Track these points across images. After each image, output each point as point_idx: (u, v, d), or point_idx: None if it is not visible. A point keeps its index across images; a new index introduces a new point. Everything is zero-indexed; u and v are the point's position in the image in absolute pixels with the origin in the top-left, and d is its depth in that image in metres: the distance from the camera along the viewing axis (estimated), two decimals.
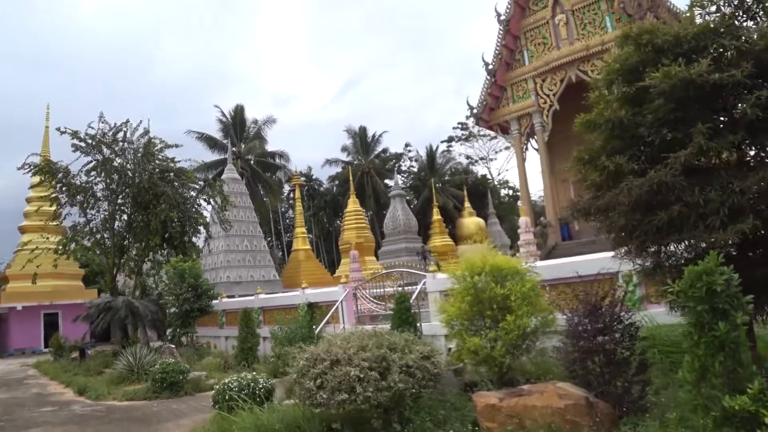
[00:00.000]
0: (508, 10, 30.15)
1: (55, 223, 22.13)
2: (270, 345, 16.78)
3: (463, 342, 8.42)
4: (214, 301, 20.21)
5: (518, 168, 31.94)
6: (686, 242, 5.96)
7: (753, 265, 5.78)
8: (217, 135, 48.86)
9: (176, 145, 21.19)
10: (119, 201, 20.97)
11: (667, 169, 5.47)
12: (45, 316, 33.69)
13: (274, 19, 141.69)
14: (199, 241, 22.52)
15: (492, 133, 64.69)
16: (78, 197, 20.53)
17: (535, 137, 31.56)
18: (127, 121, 21.19)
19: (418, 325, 12.29)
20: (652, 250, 6.15)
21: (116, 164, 20.64)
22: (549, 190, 30.36)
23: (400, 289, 16.15)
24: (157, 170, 20.81)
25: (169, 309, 19.48)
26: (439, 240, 44.25)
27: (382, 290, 16.35)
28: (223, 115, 49.64)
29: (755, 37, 5.45)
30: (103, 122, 20.60)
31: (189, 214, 20.87)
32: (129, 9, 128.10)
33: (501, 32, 30.39)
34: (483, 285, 8.23)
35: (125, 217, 21.23)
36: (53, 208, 21.26)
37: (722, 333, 3.78)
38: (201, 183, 22.55)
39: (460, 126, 64.11)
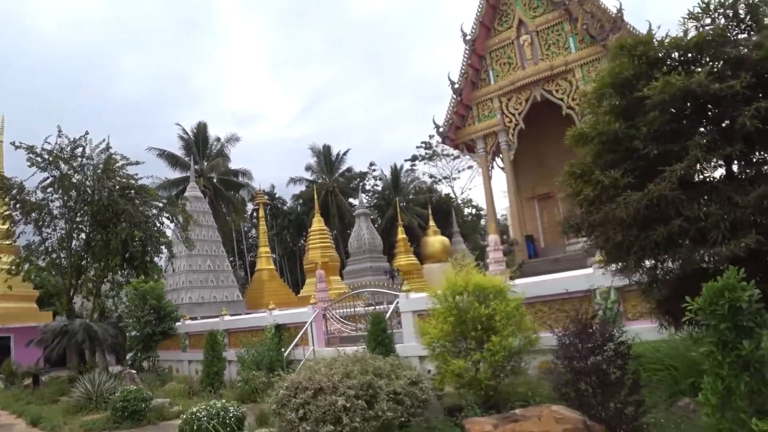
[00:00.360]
0: (473, 30, 30.40)
1: (8, 242, 21.05)
2: (236, 369, 16.17)
3: (446, 365, 8.10)
4: (176, 324, 19.41)
5: (484, 186, 32.03)
6: (677, 258, 5.80)
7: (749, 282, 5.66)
8: (179, 152, 47.96)
9: (138, 162, 20.45)
10: (77, 219, 20.05)
11: (665, 182, 5.31)
12: None
13: (237, 36, 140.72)
14: (161, 261, 21.69)
15: (455, 153, 65.42)
16: (33, 215, 19.54)
17: (501, 156, 31.77)
18: (86, 133, 20.32)
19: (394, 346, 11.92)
20: (648, 266, 5.97)
21: (74, 181, 19.76)
22: (515, 208, 30.52)
23: (371, 309, 15.80)
24: (118, 187, 20.03)
25: (129, 332, 18.60)
26: (405, 259, 44.03)
27: (352, 310, 15.94)
28: (185, 132, 48.74)
29: (751, 47, 5.36)
30: (60, 136, 19.75)
31: (150, 232, 20.10)
32: (91, 22, 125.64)
33: (467, 52, 30.62)
34: (466, 305, 7.96)
35: (83, 235, 20.32)
36: (6, 226, 20.23)
37: (747, 352, 3.57)
38: (164, 201, 21.75)
39: (423, 145, 64.47)
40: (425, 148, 64.49)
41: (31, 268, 20.17)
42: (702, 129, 5.48)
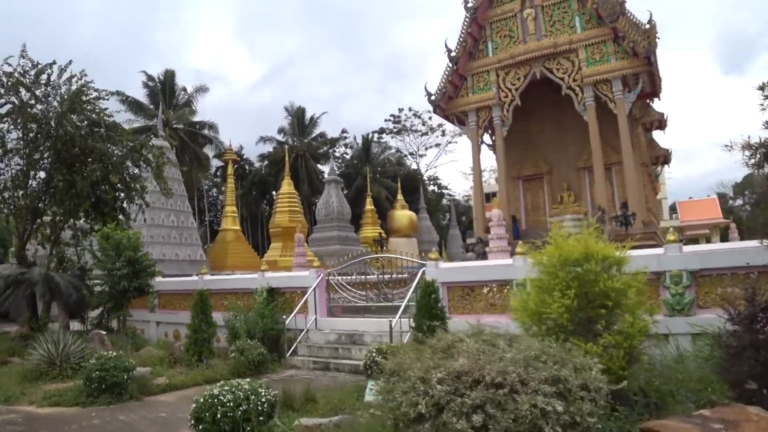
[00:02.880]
0: None
1: None
2: (219, 335, 14.30)
3: None
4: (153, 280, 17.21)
5: (473, 161, 30.68)
6: None
7: None
8: (144, 100, 44.41)
9: (117, 92, 17.77)
10: (36, 156, 17.36)
11: None
12: None
13: None
14: (130, 208, 19.17)
15: (423, 129, 64.19)
16: None
17: (490, 132, 30.48)
18: (54, 62, 17.54)
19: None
20: None
21: (36, 111, 17.06)
22: (504, 186, 29.30)
23: (386, 277, 14.26)
24: (86, 122, 17.45)
25: (94, 287, 16.26)
26: (371, 231, 42.85)
27: (363, 277, 14.25)
28: (151, 79, 45.09)
29: None
30: (24, 57, 16.91)
31: (124, 176, 17.64)
32: None
33: (467, 20, 28.95)
34: (593, 276, 6.33)
35: (42, 174, 17.68)
36: None
37: None
38: (137, 141, 19.10)
39: (392, 119, 62.79)
40: (393, 122, 62.89)
41: None
42: None
